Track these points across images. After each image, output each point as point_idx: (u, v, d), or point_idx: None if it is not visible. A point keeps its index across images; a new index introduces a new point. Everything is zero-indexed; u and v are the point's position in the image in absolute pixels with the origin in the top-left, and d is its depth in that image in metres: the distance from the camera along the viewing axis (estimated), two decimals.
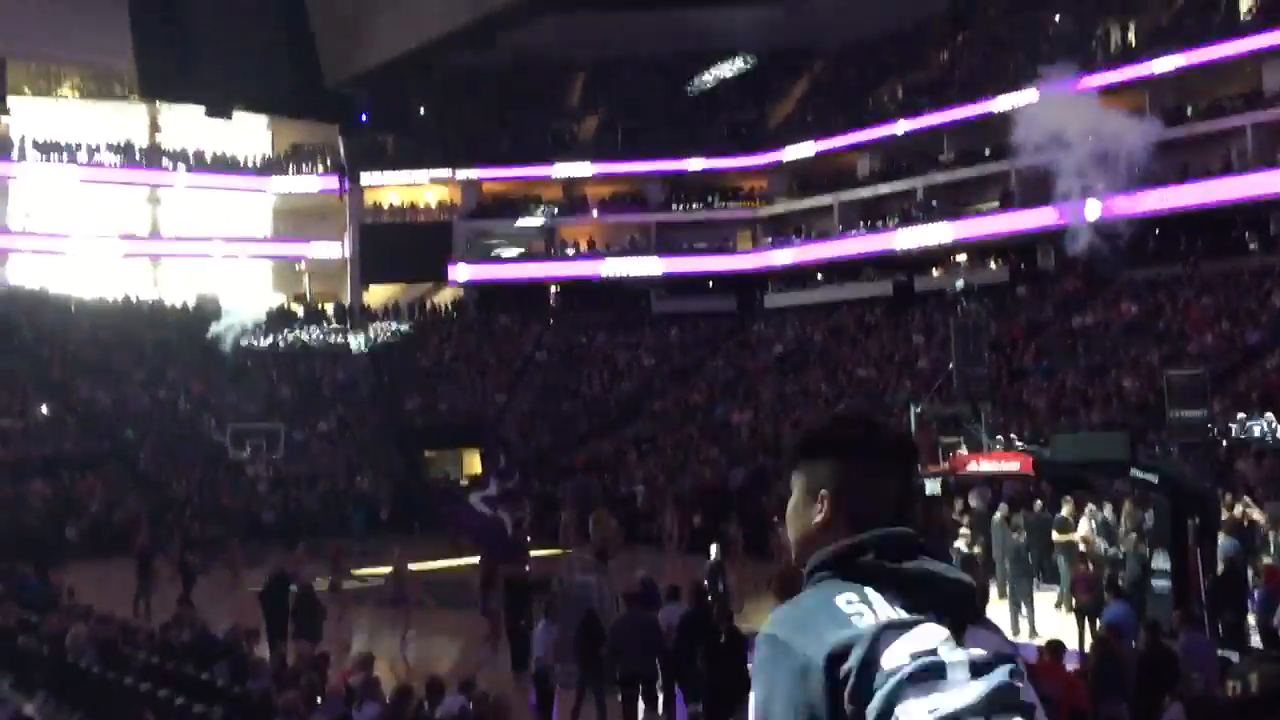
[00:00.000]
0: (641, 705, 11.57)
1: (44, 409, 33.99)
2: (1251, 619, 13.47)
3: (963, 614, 1.58)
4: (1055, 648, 10.08)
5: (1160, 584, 12.97)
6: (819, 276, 42.47)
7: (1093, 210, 29.39)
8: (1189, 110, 33.73)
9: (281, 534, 26.60)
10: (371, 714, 9.25)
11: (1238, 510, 15.93)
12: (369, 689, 10.01)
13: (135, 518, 27.87)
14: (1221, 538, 14.08)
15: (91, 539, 27.46)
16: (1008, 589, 16.04)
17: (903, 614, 1.55)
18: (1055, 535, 16.54)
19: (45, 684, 12.03)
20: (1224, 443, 21.90)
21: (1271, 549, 15.47)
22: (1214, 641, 11.51)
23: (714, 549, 17.20)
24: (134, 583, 19.72)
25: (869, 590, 1.59)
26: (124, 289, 42.20)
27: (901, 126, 40.19)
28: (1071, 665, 10.79)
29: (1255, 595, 13.81)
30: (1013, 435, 21.26)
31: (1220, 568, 13.25)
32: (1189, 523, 12.85)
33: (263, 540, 25.43)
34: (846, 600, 1.58)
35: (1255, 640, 13.19)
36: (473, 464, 38.20)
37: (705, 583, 15.10)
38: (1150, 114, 30.08)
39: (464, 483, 36.37)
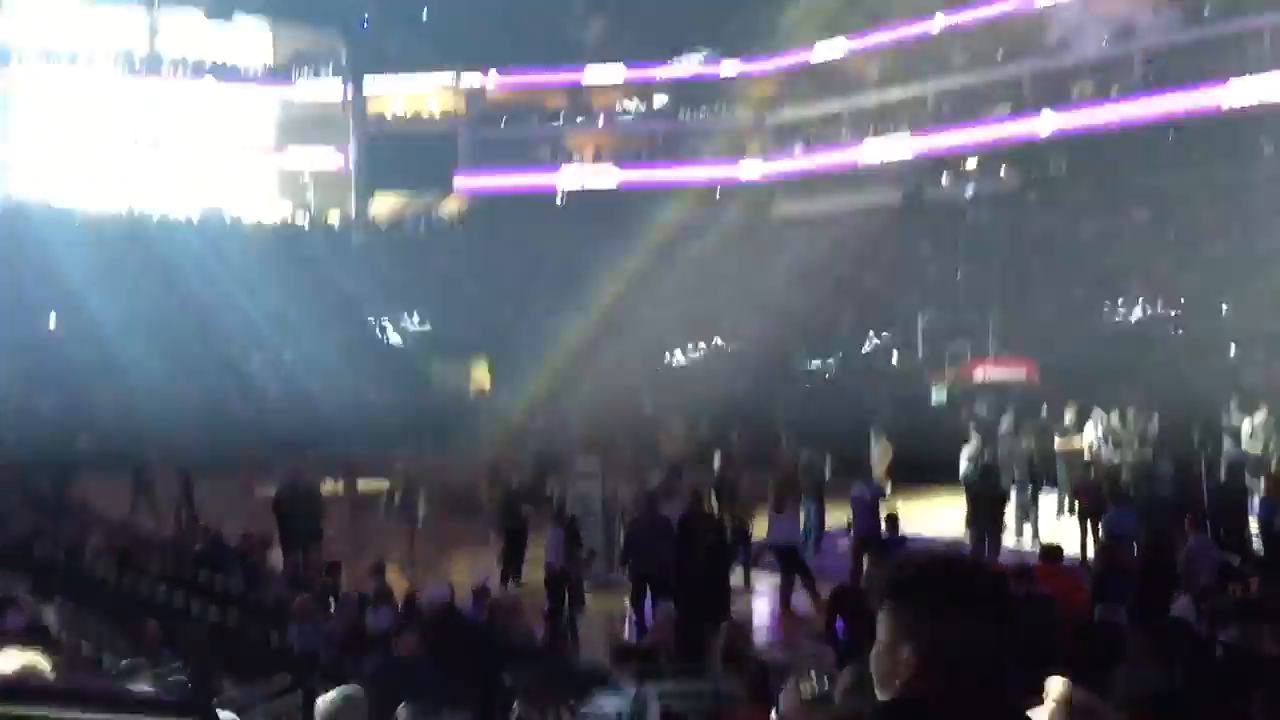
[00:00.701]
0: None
1: (52, 321, 34.04)
2: (1253, 524, 13.60)
3: None
4: (1051, 551, 10.28)
5: (1164, 490, 13.06)
6: (826, 185, 42.06)
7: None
8: (1206, 10, 33.03)
9: (292, 444, 26.76)
10: (384, 619, 9.42)
11: (1250, 422, 15.92)
12: (381, 595, 10.19)
13: (143, 430, 28.10)
14: (1226, 444, 14.14)
15: (104, 450, 27.64)
16: (1014, 495, 16.16)
17: None
18: (1057, 442, 16.65)
19: (62, 590, 12.23)
20: (1232, 350, 21.87)
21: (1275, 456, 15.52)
22: (1216, 545, 11.63)
23: (717, 457, 17.31)
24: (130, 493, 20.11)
25: None
26: (127, 200, 41.97)
27: (912, 29, 39.40)
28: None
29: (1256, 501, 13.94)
30: None
31: (1223, 474, 13.34)
32: (1194, 429, 12.90)
33: (273, 450, 25.58)
34: None
35: (1256, 545, 13.33)
36: (481, 376, 38.31)
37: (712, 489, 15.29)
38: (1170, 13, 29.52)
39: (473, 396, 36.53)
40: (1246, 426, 15.63)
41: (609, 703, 6.65)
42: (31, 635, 7.61)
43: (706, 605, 10.77)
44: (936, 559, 1.76)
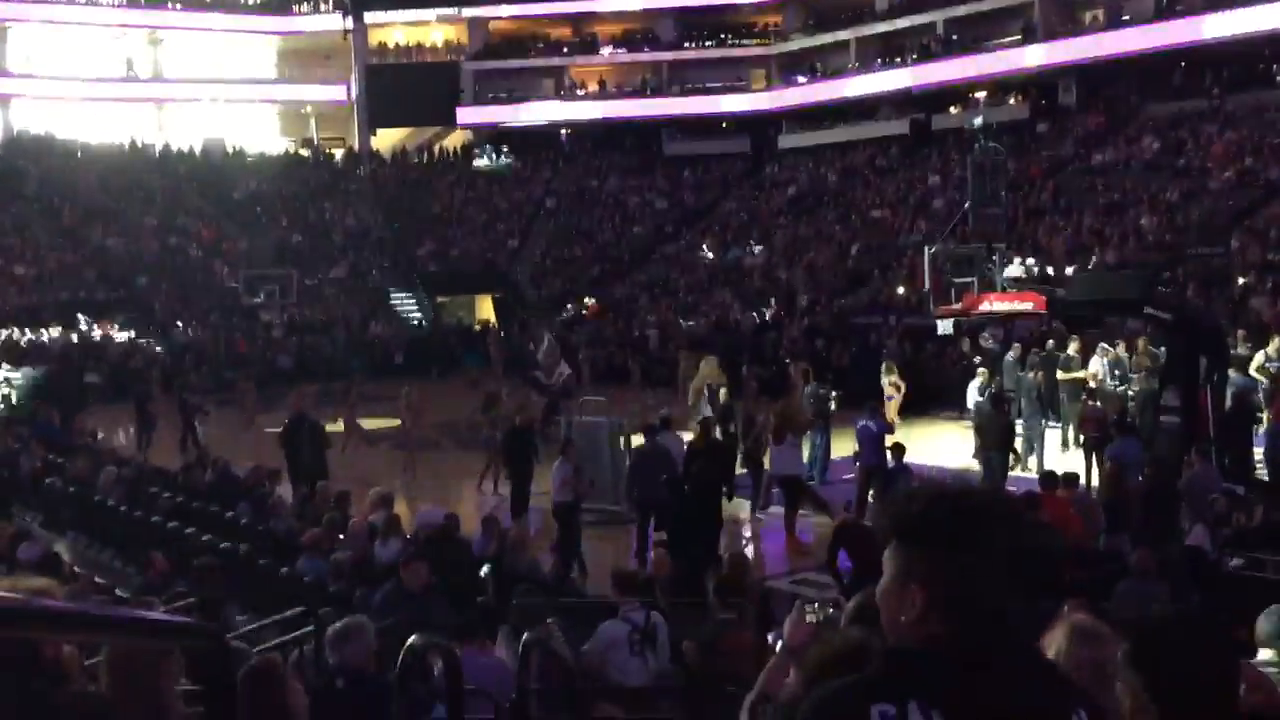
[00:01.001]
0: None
1: (56, 256, 33.98)
2: (1259, 453, 13.63)
3: None
4: (1051, 479, 10.32)
5: (1170, 420, 13.06)
6: (834, 116, 41.61)
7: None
8: None
9: (298, 379, 26.81)
10: (394, 549, 9.48)
11: (1263, 353, 15.88)
12: (390, 526, 10.25)
13: (147, 363, 28.18)
14: (1232, 374, 14.12)
15: (112, 384, 27.75)
16: (1021, 427, 16.18)
17: None
18: (1060, 374, 16.65)
19: (74, 523, 12.35)
20: (1240, 280, 21.75)
21: None
22: (1220, 474, 11.67)
23: (723, 390, 17.31)
24: (134, 426, 20.25)
25: (912, 705, 1.50)
26: (129, 133, 41.67)
27: None
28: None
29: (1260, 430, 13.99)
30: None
31: (1229, 404, 13.33)
32: (1200, 360, 12.88)
33: (280, 385, 25.64)
34: (880, 712, 1.50)
35: (1260, 474, 13.36)
36: (485, 309, 38.28)
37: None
38: None
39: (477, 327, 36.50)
40: (1259, 357, 15.61)
41: (618, 630, 6.71)
42: (45, 566, 7.70)
43: (699, 534, 10.87)
44: (944, 494, 1.68)
